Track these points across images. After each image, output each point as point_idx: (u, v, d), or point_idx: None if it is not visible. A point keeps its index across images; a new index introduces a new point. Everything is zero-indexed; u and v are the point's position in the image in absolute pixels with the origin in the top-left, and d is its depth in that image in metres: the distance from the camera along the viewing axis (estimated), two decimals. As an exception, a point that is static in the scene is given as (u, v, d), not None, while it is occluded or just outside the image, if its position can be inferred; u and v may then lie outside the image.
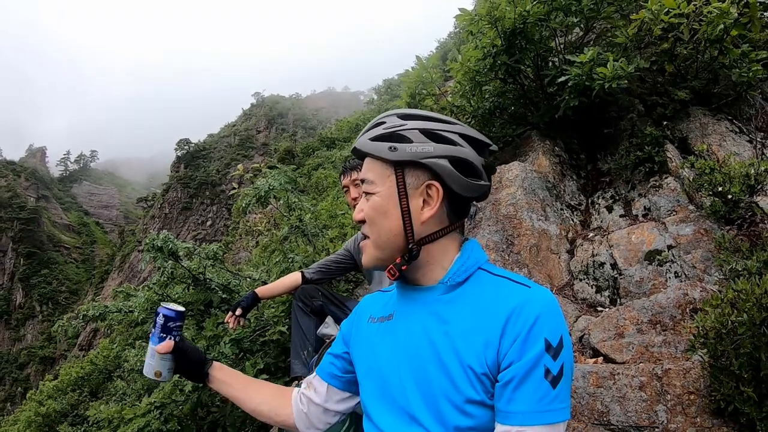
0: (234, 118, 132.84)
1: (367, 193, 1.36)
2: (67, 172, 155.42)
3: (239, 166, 8.08)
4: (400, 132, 1.32)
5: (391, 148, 1.30)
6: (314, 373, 1.60)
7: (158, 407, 4.81)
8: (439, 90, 5.85)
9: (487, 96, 5.04)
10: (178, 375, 1.63)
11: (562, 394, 1.18)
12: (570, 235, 4.00)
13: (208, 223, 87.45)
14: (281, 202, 6.58)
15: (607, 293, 3.42)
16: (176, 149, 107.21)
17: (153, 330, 1.57)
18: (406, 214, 1.31)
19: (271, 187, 6.14)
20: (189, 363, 1.62)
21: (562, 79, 3.87)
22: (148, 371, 1.59)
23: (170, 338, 1.56)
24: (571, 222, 4.10)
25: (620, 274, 3.37)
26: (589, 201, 4.26)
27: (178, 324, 1.57)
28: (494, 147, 1.41)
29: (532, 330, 1.18)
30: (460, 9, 4.45)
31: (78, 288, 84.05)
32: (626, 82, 3.62)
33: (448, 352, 1.24)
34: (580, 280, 3.63)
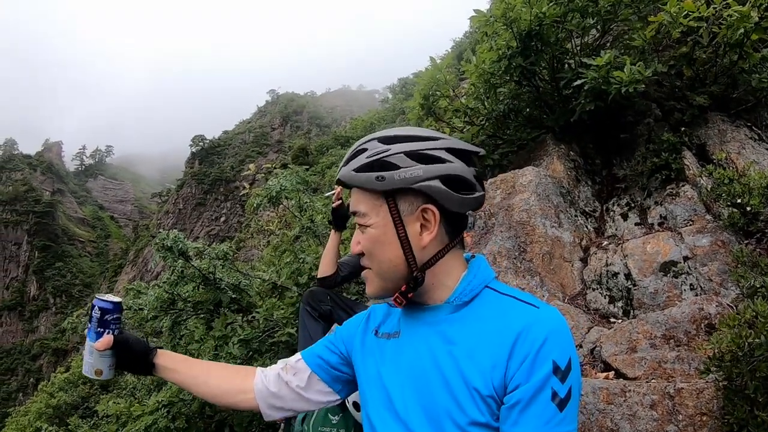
0: (249, 115, 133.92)
1: (361, 225, 1.31)
2: (83, 167, 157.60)
3: (251, 165, 8.10)
4: (384, 159, 1.26)
5: (378, 177, 1.25)
6: (298, 356, 1.55)
7: (166, 405, 4.84)
8: (453, 91, 5.79)
9: (501, 98, 4.98)
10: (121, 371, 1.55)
11: (569, 416, 1.15)
12: (584, 242, 3.92)
13: (222, 219, 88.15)
14: (293, 202, 6.59)
15: (620, 304, 3.34)
16: (191, 145, 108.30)
17: (89, 325, 1.47)
18: (405, 242, 1.27)
19: (282, 188, 6.14)
20: (132, 356, 1.52)
21: (578, 82, 3.79)
22: (88, 370, 1.50)
23: (108, 332, 1.46)
24: (585, 229, 4.02)
25: (634, 285, 3.29)
26: (604, 208, 4.18)
27: (115, 316, 1.48)
28: (482, 152, 1.35)
29: (540, 352, 1.15)
30: (475, 10, 4.39)
31: (92, 281, 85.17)
32: (643, 86, 3.54)
33: (454, 373, 1.21)
34: (593, 289, 3.55)
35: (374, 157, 1.26)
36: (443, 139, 1.31)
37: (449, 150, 1.29)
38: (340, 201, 3.70)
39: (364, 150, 1.30)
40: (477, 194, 1.30)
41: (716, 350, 2.09)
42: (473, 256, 1.37)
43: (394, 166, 1.24)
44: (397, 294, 1.30)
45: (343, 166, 1.33)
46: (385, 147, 1.27)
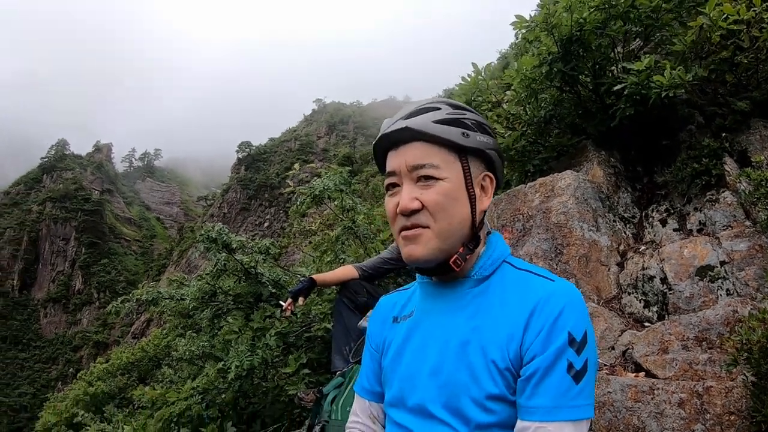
0: (295, 123, 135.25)
1: (426, 179, 1.25)
2: (131, 169, 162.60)
3: (295, 165, 8.18)
4: (464, 120, 1.30)
5: (464, 134, 1.28)
6: (366, 402, 1.53)
7: (200, 393, 4.93)
8: (495, 98, 5.80)
9: (542, 104, 4.97)
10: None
11: (587, 390, 1.16)
12: (621, 247, 3.90)
13: (266, 224, 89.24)
14: (335, 203, 6.66)
15: (655, 308, 3.32)
16: (237, 151, 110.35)
17: None
18: (473, 201, 1.29)
19: (325, 187, 6.22)
20: None
21: (618, 87, 3.78)
22: None
23: None
24: (624, 234, 4.00)
25: (670, 289, 3.26)
26: (643, 214, 4.15)
27: None
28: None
29: (556, 323, 1.17)
30: (516, 16, 4.42)
31: (136, 279, 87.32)
32: (683, 91, 3.51)
33: (475, 347, 1.23)
34: (629, 293, 3.53)
35: (454, 116, 1.29)
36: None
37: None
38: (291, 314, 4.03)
39: (438, 108, 1.30)
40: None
41: (744, 342, 2.07)
42: (489, 232, 1.39)
43: (473, 129, 1.30)
44: (456, 256, 1.27)
45: (408, 117, 1.28)
46: (460, 111, 1.31)
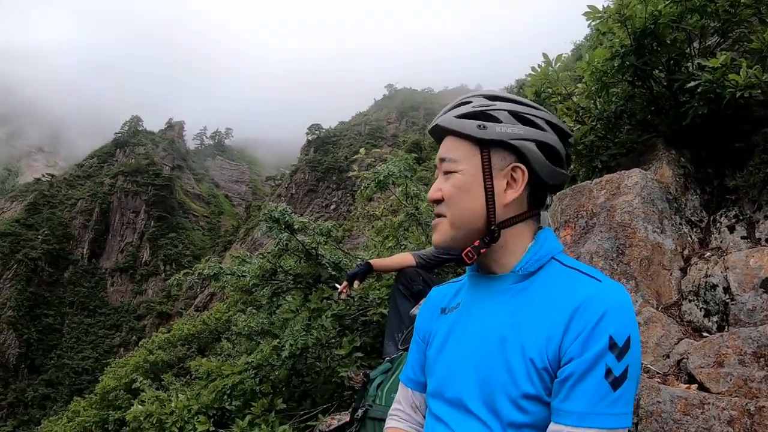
0: (365, 108, 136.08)
1: (447, 172, 1.34)
2: (202, 146, 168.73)
3: (361, 149, 8.25)
4: (488, 111, 1.32)
5: (480, 126, 1.30)
6: (409, 391, 1.56)
7: (254, 368, 5.07)
8: (565, 90, 5.65)
9: (613, 99, 4.81)
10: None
11: (624, 398, 1.12)
12: (686, 252, 3.75)
13: (332, 207, 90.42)
14: (400, 189, 6.69)
15: (715, 318, 3.17)
16: (307, 133, 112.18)
17: None
18: (490, 194, 1.30)
19: (390, 173, 6.25)
20: None
21: (692, 84, 3.61)
22: None
23: None
24: (689, 238, 3.84)
25: (732, 300, 3.11)
26: (711, 218, 3.96)
27: None
28: (571, 138, 1.40)
29: (597, 326, 1.14)
30: (589, 6, 4.27)
31: (201, 254, 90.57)
32: (759, 91, 3.31)
33: (514, 344, 1.22)
34: (690, 301, 3.39)
35: (478, 108, 1.32)
36: (543, 110, 1.36)
37: (548, 122, 1.34)
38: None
39: (469, 102, 1.36)
40: (564, 171, 1.35)
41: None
42: (540, 227, 1.38)
43: (497, 120, 1.31)
44: (469, 248, 1.32)
45: (442, 114, 1.38)
46: (491, 102, 1.34)
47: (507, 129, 1.29)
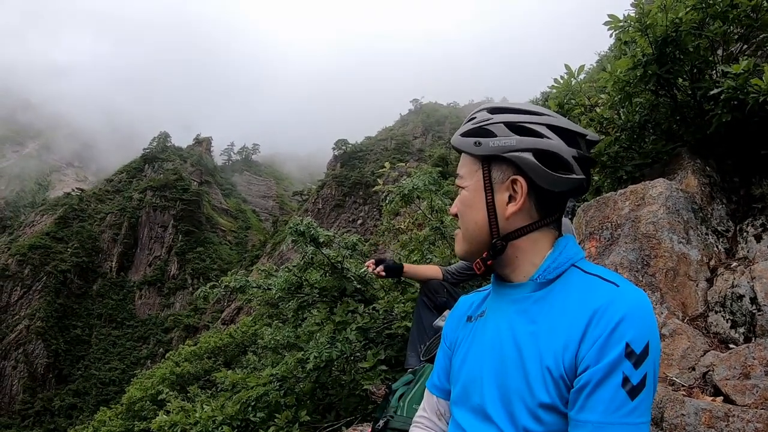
0: (391, 123, 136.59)
1: (459, 188, 1.40)
2: (230, 162, 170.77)
3: (386, 163, 8.25)
4: (485, 126, 1.33)
5: (475, 143, 1.33)
6: (435, 398, 1.56)
7: (279, 380, 5.09)
8: (588, 101, 5.61)
9: (637, 109, 4.76)
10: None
11: (642, 407, 1.10)
12: (712, 262, 3.67)
13: (359, 221, 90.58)
14: (425, 203, 6.68)
15: (742, 330, 3.10)
16: (334, 149, 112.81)
17: None
18: (490, 208, 1.31)
19: (414, 187, 6.26)
20: None
21: (715, 91, 3.56)
22: None
23: None
24: (715, 249, 3.76)
25: (759, 310, 3.04)
26: (737, 228, 3.89)
27: None
28: (592, 136, 1.35)
29: (614, 333, 1.11)
30: (609, 15, 4.25)
31: (229, 268, 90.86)
32: (783, 96, 3.26)
33: (532, 352, 1.21)
34: (716, 312, 3.32)
35: (478, 124, 1.34)
36: (548, 116, 1.34)
37: (550, 126, 1.31)
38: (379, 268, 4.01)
39: (473, 118, 1.38)
40: (573, 176, 1.30)
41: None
42: (561, 235, 1.37)
43: (492, 134, 1.32)
44: (478, 260, 1.35)
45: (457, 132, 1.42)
46: (490, 116, 1.34)
47: (500, 142, 1.29)
